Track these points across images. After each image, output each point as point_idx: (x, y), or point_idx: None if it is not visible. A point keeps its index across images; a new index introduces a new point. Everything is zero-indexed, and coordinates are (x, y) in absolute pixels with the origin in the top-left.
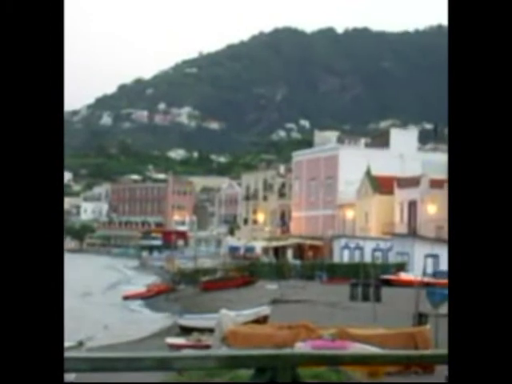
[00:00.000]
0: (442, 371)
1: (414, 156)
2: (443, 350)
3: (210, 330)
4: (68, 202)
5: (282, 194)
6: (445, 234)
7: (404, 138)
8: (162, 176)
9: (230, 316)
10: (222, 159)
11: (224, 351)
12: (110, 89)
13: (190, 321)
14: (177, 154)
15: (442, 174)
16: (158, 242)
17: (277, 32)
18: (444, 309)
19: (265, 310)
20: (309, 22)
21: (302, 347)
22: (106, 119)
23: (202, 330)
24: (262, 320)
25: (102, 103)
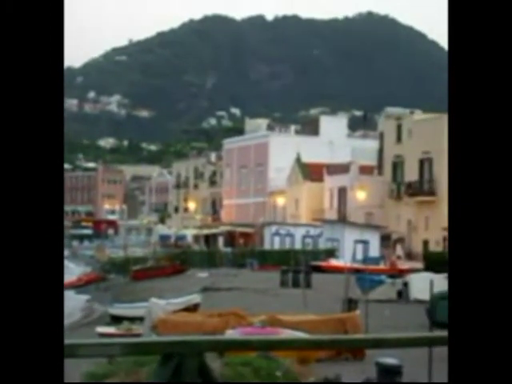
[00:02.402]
0: (371, 357)
1: (343, 143)
2: (373, 335)
3: (141, 319)
4: None
5: (212, 182)
6: (374, 220)
7: (333, 125)
8: (91, 165)
9: (160, 304)
10: (153, 147)
11: (129, 339)
12: None
13: (120, 310)
14: (107, 142)
15: (371, 161)
16: (88, 232)
17: (207, 19)
18: (373, 294)
19: (195, 298)
20: (239, 10)
21: (232, 335)
22: None
23: (132, 319)
24: (192, 308)
25: None
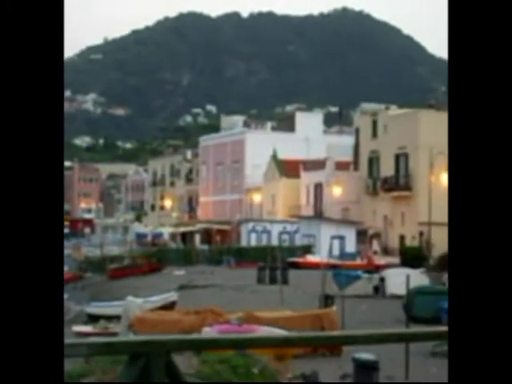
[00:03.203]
0: (348, 353)
1: (319, 139)
2: (350, 331)
3: (118, 318)
4: None
5: (189, 180)
6: (350, 216)
7: (309, 122)
8: (67, 163)
9: (137, 303)
10: (129, 145)
11: (97, 339)
12: None
13: (96, 308)
14: (82, 141)
15: (347, 156)
16: (64, 230)
17: (182, 17)
18: (350, 290)
19: (172, 296)
20: (214, 7)
21: (209, 332)
22: None
23: (109, 318)
24: (169, 306)
25: None
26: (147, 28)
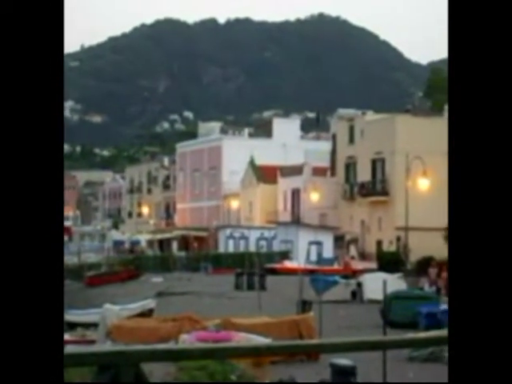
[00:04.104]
0: (326, 358)
1: (296, 145)
2: (328, 339)
3: (95, 325)
4: None
5: (166, 186)
6: (327, 221)
7: (286, 127)
8: None
9: (114, 310)
10: (106, 153)
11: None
12: None
13: (74, 316)
14: None
15: (324, 162)
16: None
17: (158, 23)
18: (327, 295)
19: (150, 303)
20: (191, 13)
21: (186, 339)
22: None
23: (86, 325)
24: (147, 313)
25: None
26: (124, 35)
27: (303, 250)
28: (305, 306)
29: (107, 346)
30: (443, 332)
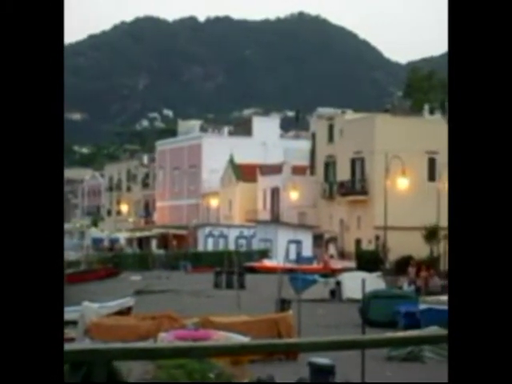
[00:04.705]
0: (304, 357)
1: (276, 143)
2: (307, 338)
3: (74, 323)
4: None
5: (145, 184)
6: (307, 220)
7: (266, 126)
8: None
9: (93, 308)
10: (85, 150)
11: None
12: None
13: None
14: None
15: (304, 161)
16: None
17: (138, 21)
18: (306, 294)
19: (128, 301)
20: (170, 11)
21: (165, 337)
22: None
23: (65, 323)
24: (125, 311)
25: None
26: (104, 32)
27: (282, 249)
28: (284, 304)
29: (79, 344)
30: (422, 332)
